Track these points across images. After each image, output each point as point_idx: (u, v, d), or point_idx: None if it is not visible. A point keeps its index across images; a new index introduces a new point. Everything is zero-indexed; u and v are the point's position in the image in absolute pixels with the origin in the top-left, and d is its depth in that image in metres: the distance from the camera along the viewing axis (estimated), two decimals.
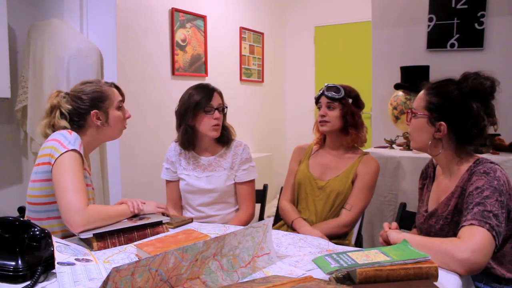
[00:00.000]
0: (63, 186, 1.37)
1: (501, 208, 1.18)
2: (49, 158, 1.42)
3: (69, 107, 1.54)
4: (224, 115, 1.92)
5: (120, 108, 1.62)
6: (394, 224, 1.38)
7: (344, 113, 1.83)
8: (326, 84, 1.89)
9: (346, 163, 1.87)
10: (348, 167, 1.86)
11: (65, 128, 1.51)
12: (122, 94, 1.66)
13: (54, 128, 1.53)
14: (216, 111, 1.84)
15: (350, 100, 1.85)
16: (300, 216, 1.87)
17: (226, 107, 1.92)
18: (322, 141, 1.98)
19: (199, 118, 1.85)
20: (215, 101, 1.85)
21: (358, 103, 1.88)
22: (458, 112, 1.29)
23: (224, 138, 1.93)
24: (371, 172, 1.83)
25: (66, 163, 1.40)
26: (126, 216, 1.51)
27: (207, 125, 1.84)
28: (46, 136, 1.54)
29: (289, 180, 2.01)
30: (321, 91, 1.88)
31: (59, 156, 1.40)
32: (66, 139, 1.44)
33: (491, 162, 1.28)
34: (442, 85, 1.34)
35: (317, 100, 1.90)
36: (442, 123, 1.30)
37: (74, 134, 1.47)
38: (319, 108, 1.89)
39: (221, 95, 1.91)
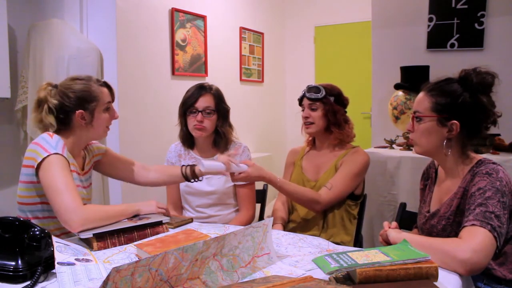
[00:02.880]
0: (54, 188, 1.36)
1: (503, 209, 1.18)
2: (32, 162, 1.41)
3: (56, 102, 1.49)
4: (222, 118, 1.88)
5: (107, 109, 1.57)
6: (394, 224, 1.37)
7: (326, 112, 1.83)
8: (308, 86, 1.88)
9: (334, 158, 1.87)
10: (334, 160, 1.86)
11: (51, 125, 1.49)
12: (112, 94, 1.61)
13: (42, 123, 1.50)
14: (200, 114, 1.82)
15: (332, 98, 1.84)
16: (284, 218, 1.90)
17: (219, 111, 1.86)
18: (312, 142, 1.98)
19: (187, 118, 1.86)
20: (201, 103, 1.83)
21: (340, 101, 1.87)
22: (470, 108, 1.28)
23: (219, 144, 1.90)
24: (357, 161, 1.81)
25: (52, 165, 1.38)
26: (126, 216, 1.50)
27: (190, 126, 1.85)
28: (40, 129, 1.52)
29: None
30: (302, 93, 1.88)
31: (42, 161, 1.38)
32: (47, 143, 1.41)
33: (493, 163, 1.28)
34: (445, 84, 1.33)
35: (300, 102, 1.90)
36: (455, 121, 1.29)
37: (55, 137, 1.44)
38: (303, 110, 1.89)
39: (215, 97, 1.86)
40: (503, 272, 1.27)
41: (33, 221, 1.44)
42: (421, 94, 1.36)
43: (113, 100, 1.62)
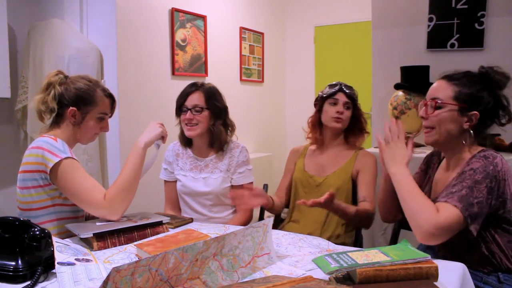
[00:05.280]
0: (82, 191, 1.42)
1: (488, 194, 1.20)
2: (41, 167, 1.42)
3: (60, 91, 1.53)
4: (216, 116, 1.84)
5: (101, 119, 1.59)
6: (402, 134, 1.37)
7: (353, 114, 1.88)
8: (340, 82, 1.88)
9: (342, 159, 1.88)
10: (345, 162, 1.86)
11: (52, 110, 1.52)
12: (113, 108, 1.64)
13: (45, 105, 1.52)
14: (189, 112, 1.81)
15: (359, 105, 1.91)
16: (274, 200, 1.88)
17: (210, 108, 1.82)
18: (319, 141, 1.95)
19: (180, 117, 1.87)
20: (190, 101, 1.82)
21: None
22: (491, 101, 1.31)
23: (213, 143, 1.87)
24: (373, 164, 1.85)
25: (70, 169, 1.43)
26: (142, 163, 1.55)
27: (184, 125, 1.85)
28: (39, 112, 1.54)
29: (283, 180, 2.02)
30: (337, 88, 1.87)
31: (55, 166, 1.41)
32: (55, 148, 1.44)
33: (495, 151, 1.31)
34: (468, 76, 1.35)
35: (332, 95, 1.87)
36: (475, 112, 1.30)
37: (59, 140, 1.47)
38: (334, 103, 1.86)
39: (205, 94, 1.83)
40: (501, 258, 1.28)
41: (47, 224, 1.47)
42: (441, 82, 1.36)
43: (111, 114, 1.64)
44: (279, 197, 1.98)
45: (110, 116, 1.65)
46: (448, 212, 1.17)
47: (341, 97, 1.86)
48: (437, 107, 1.33)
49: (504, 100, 1.33)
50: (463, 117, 1.31)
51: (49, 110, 1.53)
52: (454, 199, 1.19)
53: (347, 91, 1.86)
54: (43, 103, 1.52)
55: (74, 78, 1.58)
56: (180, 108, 1.85)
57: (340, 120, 1.85)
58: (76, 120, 1.54)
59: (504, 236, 1.28)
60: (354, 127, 1.90)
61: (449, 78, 1.36)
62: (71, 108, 1.52)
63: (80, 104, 1.53)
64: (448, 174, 1.39)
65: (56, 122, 1.56)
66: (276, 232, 1.52)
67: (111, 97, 1.62)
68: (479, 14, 2.70)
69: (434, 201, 1.37)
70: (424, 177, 1.54)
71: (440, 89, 1.35)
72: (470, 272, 1.17)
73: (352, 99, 1.87)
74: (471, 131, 1.32)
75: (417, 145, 2.66)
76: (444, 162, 1.45)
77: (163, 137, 1.67)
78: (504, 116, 1.34)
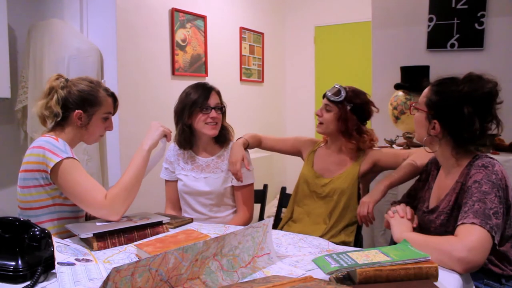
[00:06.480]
0: (82, 191, 1.42)
1: (500, 203, 1.19)
2: (41, 166, 1.43)
3: (63, 95, 1.53)
4: (223, 114, 1.91)
5: (106, 119, 1.60)
6: (409, 213, 1.38)
7: (338, 117, 1.81)
8: (335, 84, 1.87)
9: (349, 161, 1.88)
10: (351, 165, 1.86)
11: (56, 114, 1.51)
12: (115, 106, 1.64)
13: (49, 110, 1.52)
14: (213, 110, 1.83)
15: (350, 106, 1.80)
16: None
17: (225, 107, 1.91)
18: (326, 140, 1.98)
19: (196, 117, 1.84)
20: (212, 100, 1.84)
21: (359, 111, 1.82)
22: (450, 113, 1.30)
23: (222, 137, 1.93)
24: (384, 149, 1.90)
25: (71, 169, 1.43)
26: (146, 164, 1.57)
27: (204, 124, 1.84)
28: (42, 117, 1.54)
29: (286, 139, 2.12)
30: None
31: (57, 166, 1.41)
32: (56, 147, 1.44)
33: (490, 157, 1.29)
34: (444, 83, 1.35)
35: (323, 98, 1.89)
36: (436, 121, 1.32)
37: (61, 141, 1.48)
38: None
39: (219, 94, 1.90)
40: (501, 267, 1.27)
41: (47, 224, 1.47)
42: (428, 87, 1.40)
43: (114, 113, 1.65)
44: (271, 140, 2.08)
45: (113, 115, 1.66)
46: (468, 232, 1.13)
47: (324, 100, 1.88)
48: (414, 109, 1.41)
49: (465, 114, 1.26)
50: (429, 124, 1.34)
51: (53, 115, 1.52)
52: (469, 217, 1.15)
53: (327, 93, 1.86)
54: (47, 108, 1.52)
55: (75, 80, 1.58)
56: (200, 107, 1.83)
57: (319, 124, 1.89)
58: (82, 122, 1.55)
59: (507, 242, 1.27)
60: (341, 130, 1.84)
61: (432, 83, 1.38)
62: (77, 111, 1.53)
63: (86, 106, 1.54)
64: (445, 180, 1.39)
65: (60, 125, 1.55)
66: (276, 232, 1.53)
67: (113, 96, 1.63)
68: (479, 14, 2.70)
69: (436, 208, 1.37)
70: (424, 185, 1.54)
71: (423, 93, 1.40)
72: (470, 273, 1.17)
73: (331, 101, 1.84)
74: (448, 139, 1.33)
75: (419, 145, 2.66)
76: (441, 168, 1.45)
77: (166, 136, 1.68)
78: (467, 130, 1.28)
